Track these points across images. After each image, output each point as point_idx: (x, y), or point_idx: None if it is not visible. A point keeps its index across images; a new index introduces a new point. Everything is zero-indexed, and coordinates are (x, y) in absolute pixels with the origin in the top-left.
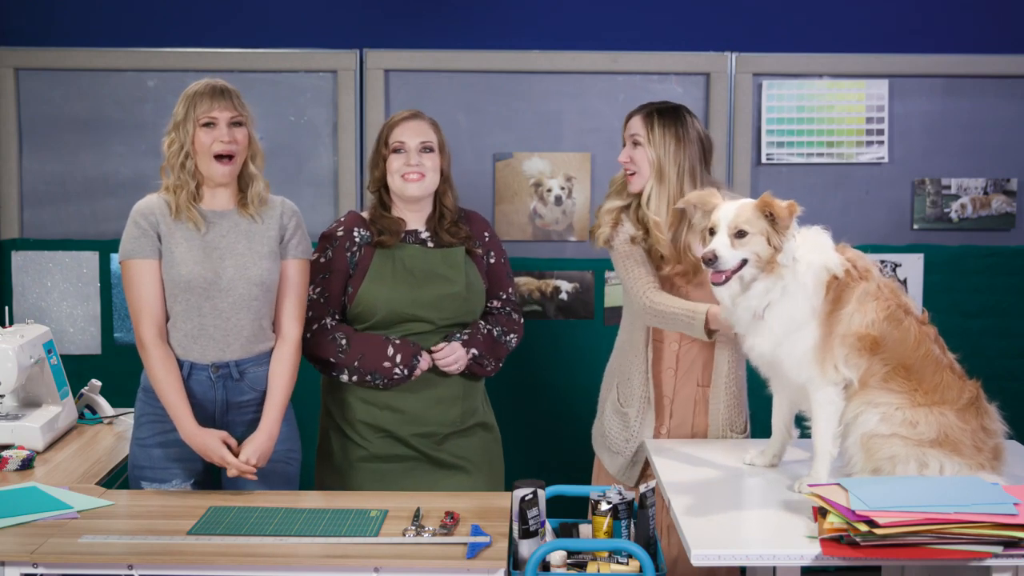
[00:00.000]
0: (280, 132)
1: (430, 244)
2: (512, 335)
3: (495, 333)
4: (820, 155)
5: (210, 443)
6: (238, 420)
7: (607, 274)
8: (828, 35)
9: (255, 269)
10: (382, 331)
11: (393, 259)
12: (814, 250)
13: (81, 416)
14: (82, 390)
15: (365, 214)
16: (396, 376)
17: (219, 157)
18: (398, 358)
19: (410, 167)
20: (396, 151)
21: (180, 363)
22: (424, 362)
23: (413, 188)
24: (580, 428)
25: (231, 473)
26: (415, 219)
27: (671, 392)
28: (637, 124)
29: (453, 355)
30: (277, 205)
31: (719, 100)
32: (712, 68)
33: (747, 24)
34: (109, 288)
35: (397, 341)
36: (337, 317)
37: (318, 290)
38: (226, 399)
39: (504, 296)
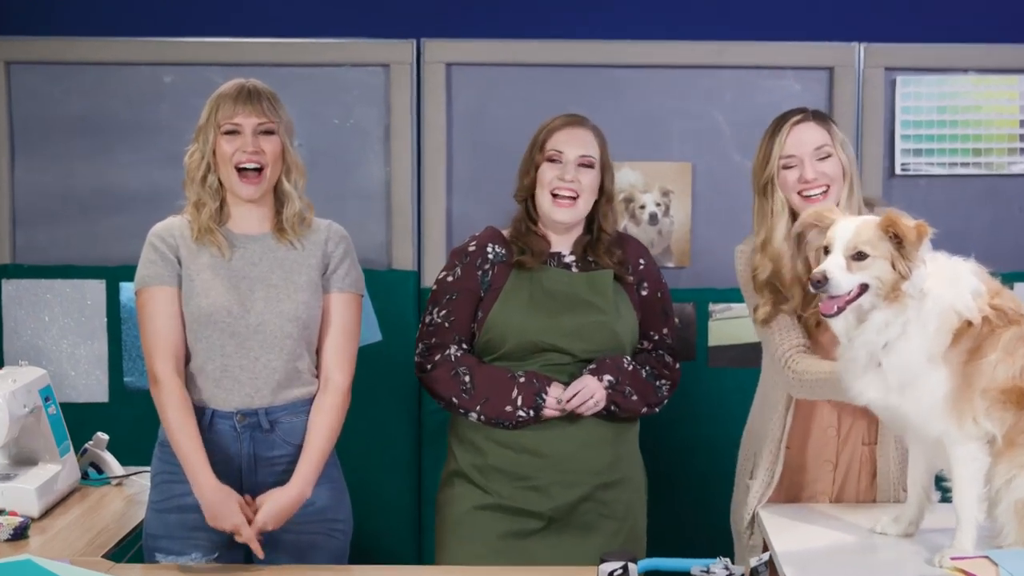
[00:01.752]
0: (322, 137)
1: (574, 268)
2: (664, 381)
3: (643, 373)
4: (965, 165)
5: (226, 503)
6: (267, 479)
7: (712, 307)
8: (975, 23)
9: (290, 303)
10: (513, 363)
11: (531, 281)
12: (947, 284)
13: (84, 476)
14: (86, 445)
15: (505, 231)
16: (521, 419)
17: (241, 170)
18: (519, 400)
19: (563, 183)
20: (551, 160)
21: (201, 410)
22: (551, 398)
23: (562, 215)
24: (682, 491)
25: (239, 539)
26: (562, 241)
27: (832, 456)
28: (815, 132)
29: (584, 388)
30: (322, 230)
31: (845, 100)
32: (836, 61)
33: (878, 10)
34: (119, 323)
35: (522, 379)
36: (464, 345)
37: (443, 313)
38: (253, 453)
39: (657, 337)
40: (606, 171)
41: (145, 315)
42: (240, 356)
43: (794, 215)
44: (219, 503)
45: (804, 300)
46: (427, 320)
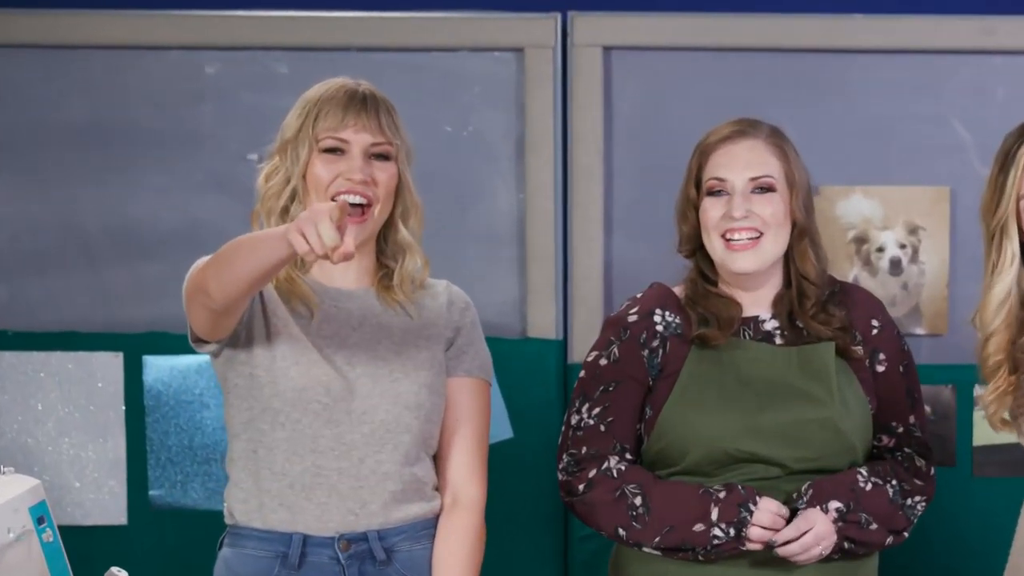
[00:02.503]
0: (428, 153)
1: (778, 339)
2: (919, 498)
3: (889, 492)
4: None
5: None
6: None
7: (978, 391)
8: None
9: (407, 384)
10: (700, 479)
11: (720, 364)
12: None
13: None
14: None
15: (678, 289)
16: (717, 543)
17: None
18: (715, 513)
19: (734, 221)
20: (713, 193)
21: (283, 537)
22: (763, 512)
23: (742, 261)
24: None
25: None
26: (755, 299)
27: None
28: None
29: (809, 533)
30: (440, 292)
31: None
32: None
33: None
34: (141, 414)
35: (722, 493)
36: (629, 455)
37: (597, 411)
38: None
39: (902, 429)
40: (795, 191)
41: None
42: (338, 454)
43: None
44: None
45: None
46: (574, 421)
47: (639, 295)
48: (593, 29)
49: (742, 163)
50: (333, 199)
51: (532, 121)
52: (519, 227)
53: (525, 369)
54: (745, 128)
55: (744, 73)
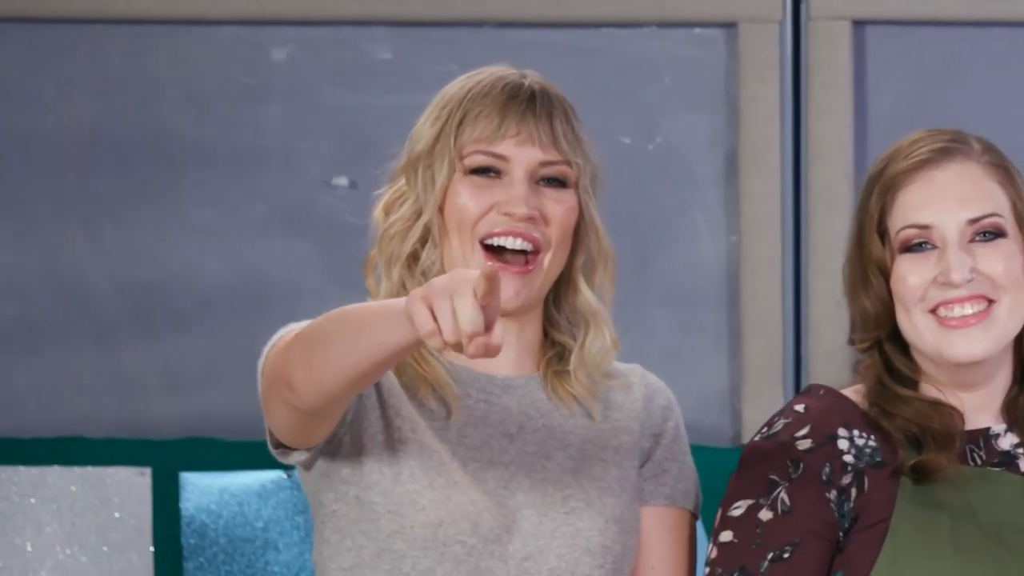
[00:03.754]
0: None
1: (1023, 463)
2: None
3: None
4: None
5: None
6: None
7: None
8: None
9: (589, 517)
10: None
11: (947, 506)
12: None
13: None
14: None
15: (854, 391)
16: None
17: (496, 250)
18: None
19: (951, 289)
20: (912, 247)
21: None
22: None
23: (965, 345)
24: None
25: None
26: (977, 404)
27: None
28: None
29: None
30: (634, 383)
31: None
32: None
33: None
34: (178, 557)
35: None
36: None
37: None
38: None
39: None
40: None
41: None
42: None
43: None
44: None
45: None
46: None
47: (798, 406)
48: None
49: (954, 199)
50: (484, 246)
51: (749, 127)
52: (729, 283)
53: None
54: (951, 145)
55: None
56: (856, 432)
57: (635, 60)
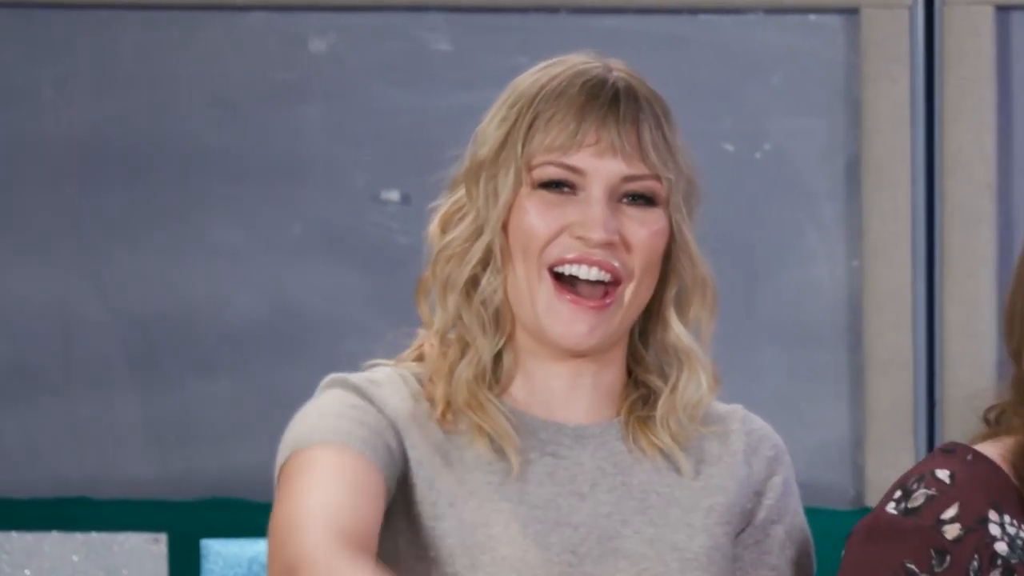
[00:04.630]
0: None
1: None
2: None
3: None
4: None
5: None
6: None
7: None
8: None
9: None
10: None
11: None
12: None
13: None
14: None
15: (997, 453)
16: None
17: (567, 279)
18: None
19: None
20: None
21: None
22: None
23: None
24: None
25: None
26: None
27: None
28: None
29: None
30: (733, 429)
31: None
32: None
33: None
34: None
35: None
36: None
37: None
38: None
39: None
40: None
41: (296, 486)
42: None
43: None
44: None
45: None
46: None
47: (941, 473)
48: None
49: None
50: (553, 274)
51: (873, 132)
52: (850, 315)
53: None
54: None
55: None
56: (1008, 518)
57: (739, 53)
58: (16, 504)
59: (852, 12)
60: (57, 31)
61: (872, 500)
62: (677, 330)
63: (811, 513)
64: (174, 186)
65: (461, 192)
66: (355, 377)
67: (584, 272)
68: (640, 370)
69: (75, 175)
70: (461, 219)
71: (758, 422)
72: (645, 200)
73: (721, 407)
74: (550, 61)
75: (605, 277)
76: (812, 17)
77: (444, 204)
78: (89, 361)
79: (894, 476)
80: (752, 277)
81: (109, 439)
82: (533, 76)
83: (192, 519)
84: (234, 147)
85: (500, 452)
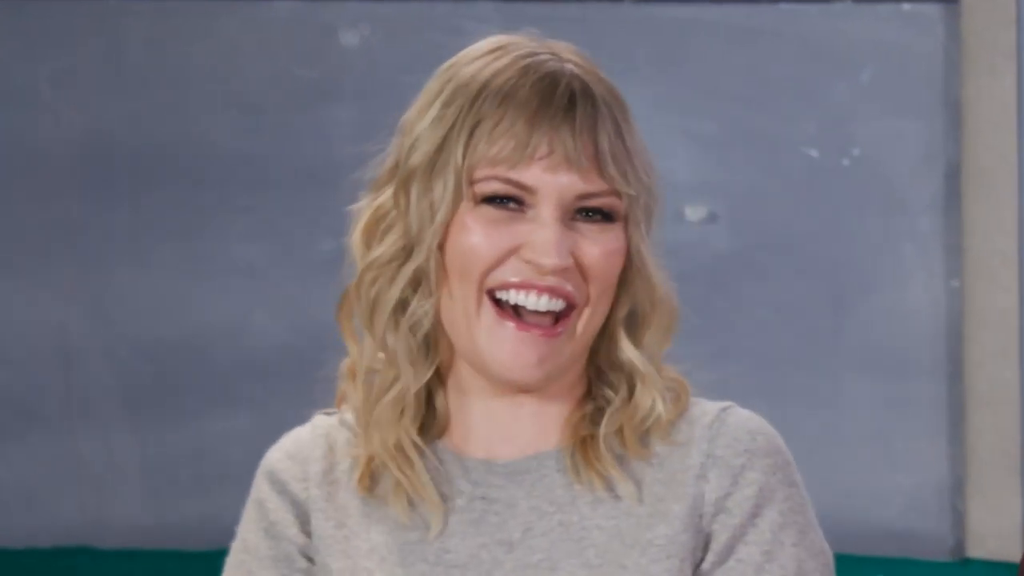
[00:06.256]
0: (772, 198)
1: None
2: None
3: None
4: None
5: None
6: None
7: None
8: None
9: None
10: None
11: None
12: None
13: None
14: None
15: None
16: None
17: (510, 310)
18: None
19: None
20: None
21: None
22: None
23: None
24: None
25: None
26: None
27: None
28: None
29: None
30: (695, 438)
31: None
32: None
33: None
34: None
35: None
36: None
37: None
38: None
39: None
40: None
41: None
42: None
43: None
44: None
45: None
46: None
47: None
48: None
49: None
50: (492, 297)
51: (975, 135)
52: (949, 342)
53: None
54: None
55: None
56: None
57: (824, 46)
58: (12, 554)
59: (951, 0)
60: (56, 22)
61: (974, 550)
62: (628, 352)
63: (906, 565)
64: (187, 197)
65: (385, 195)
66: (273, 459)
67: (532, 302)
68: (599, 382)
69: (75, 185)
70: (388, 230)
71: (732, 423)
72: (602, 215)
73: (701, 408)
74: (489, 45)
75: (556, 306)
76: (906, 6)
77: (366, 208)
78: (91, 395)
79: (998, 523)
80: (839, 300)
81: (112, 482)
82: (472, 66)
83: (207, 570)
84: (255, 153)
85: (414, 513)
